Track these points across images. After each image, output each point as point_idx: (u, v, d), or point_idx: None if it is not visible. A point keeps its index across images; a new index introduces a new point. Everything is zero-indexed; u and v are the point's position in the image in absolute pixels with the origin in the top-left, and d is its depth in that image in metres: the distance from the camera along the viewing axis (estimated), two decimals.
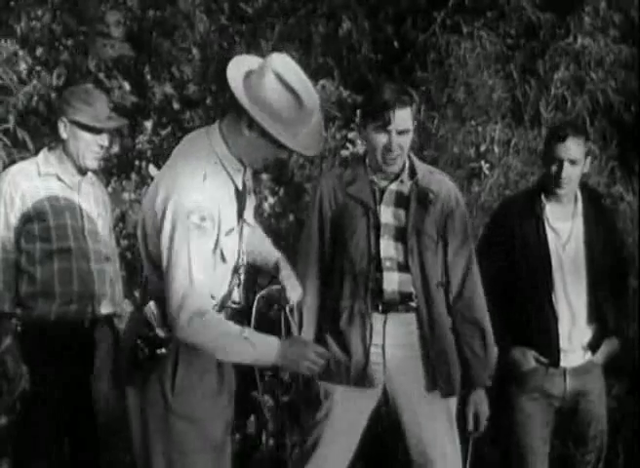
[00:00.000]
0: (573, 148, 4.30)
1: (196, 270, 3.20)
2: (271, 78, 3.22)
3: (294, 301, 3.58)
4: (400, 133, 3.89)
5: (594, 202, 4.49)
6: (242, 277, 3.49)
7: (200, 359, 3.33)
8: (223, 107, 6.43)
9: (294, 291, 3.58)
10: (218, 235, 3.28)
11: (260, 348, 3.28)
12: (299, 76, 3.27)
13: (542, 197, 4.40)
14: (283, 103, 3.23)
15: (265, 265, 3.64)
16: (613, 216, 5.00)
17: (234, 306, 3.47)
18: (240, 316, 3.49)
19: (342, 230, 4.01)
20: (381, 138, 3.91)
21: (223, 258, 3.33)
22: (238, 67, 3.33)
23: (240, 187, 3.41)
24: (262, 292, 3.55)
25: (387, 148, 3.90)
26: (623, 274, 4.64)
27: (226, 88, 3.31)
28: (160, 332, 3.30)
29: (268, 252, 3.68)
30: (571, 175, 4.31)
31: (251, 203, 3.56)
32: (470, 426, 4.04)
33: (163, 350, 3.31)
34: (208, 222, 3.22)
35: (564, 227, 4.40)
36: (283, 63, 3.27)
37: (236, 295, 3.47)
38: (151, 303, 3.32)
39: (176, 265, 3.20)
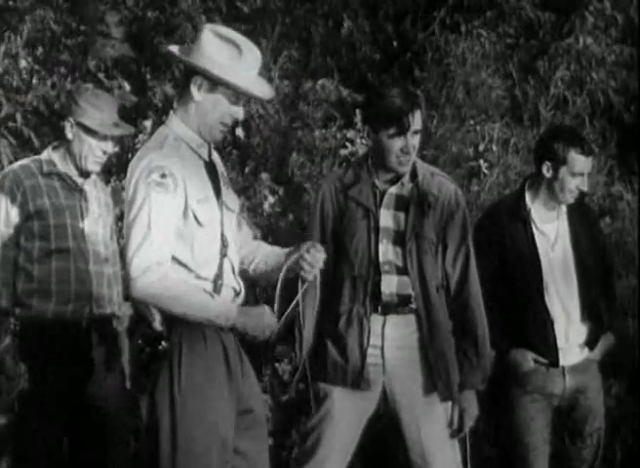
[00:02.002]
0: (590, 162, 4.36)
1: (155, 226, 3.25)
2: (207, 34, 3.39)
3: (316, 262, 3.54)
4: (415, 133, 3.91)
5: (577, 201, 4.51)
6: (234, 264, 3.49)
7: (205, 356, 3.35)
8: None
9: (316, 251, 3.55)
10: (186, 198, 3.33)
11: (220, 305, 3.32)
12: (233, 32, 3.43)
13: (527, 200, 4.41)
14: (222, 53, 3.37)
15: (278, 263, 3.63)
16: (595, 214, 5.04)
17: (238, 299, 3.48)
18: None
19: (343, 233, 4.01)
20: (398, 143, 3.90)
21: (198, 222, 3.35)
22: (174, 45, 3.53)
23: (207, 159, 3.47)
24: (288, 263, 3.53)
25: (405, 151, 3.91)
26: (610, 271, 4.69)
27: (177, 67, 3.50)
28: (157, 326, 3.33)
29: (274, 252, 3.69)
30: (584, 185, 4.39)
31: (228, 189, 3.59)
32: (454, 426, 4.03)
33: (164, 344, 3.32)
34: (169, 180, 3.29)
35: (550, 228, 4.43)
36: (216, 25, 3.48)
37: (234, 282, 3.48)
38: None
39: (135, 222, 3.27)
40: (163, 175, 3.28)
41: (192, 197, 3.34)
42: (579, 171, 4.35)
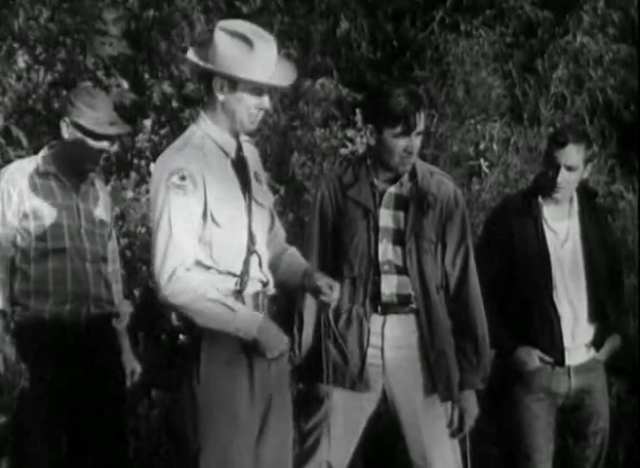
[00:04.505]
0: (572, 155, 4.30)
1: (177, 228, 3.32)
2: (218, 34, 3.43)
3: (334, 298, 3.58)
4: (418, 134, 3.90)
5: (589, 200, 4.50)
6: (262, 258, 3.52)
7: (224, 348, 3.37)
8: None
9: (334, 289, 3.58)
10: (205, 199, 3.37)
11: (242, 319, 3.35)
12: (244, 24, 3.48)
13: (539, 197, 4.40)
14: (234, 49, 3.39)
15: (294, 278, 3.66)
16: (606, 214, 5.01)
17: (267, 290, 3.52)
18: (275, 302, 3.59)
19: (342, 233, 3.99)
20: (402, 143, 3.88)
21: (216, 223, 3.39)
22: (193, 46, 3.57)
23: (233, 156, 3.51)
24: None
25: (408, 151, 3.89)
26: (619, 271, 4.67)
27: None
28: (174, 321, 3.39)
29: (295, 267, 3.70)
30: (568, 180, 4.32)
31: (261, 185, 3.62)
32: (454, 426, 4.02)
33: (182, 337, 3.37)
34: (188, 182, 3.34)
35: (561, 226, 4.41)
36: (229, 21, 3.51)
37: (261, 275, 3.51)
38: None
39: (158, 226, 3.34)
40: (182, 178, 3.34)
41: (212, 196, 3.39)
42: (556, 163, 4.32)
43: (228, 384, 3.38)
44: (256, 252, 3.49)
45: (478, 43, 7.74)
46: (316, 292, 3.58)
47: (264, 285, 3.52)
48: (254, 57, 3.40)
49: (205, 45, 3.47)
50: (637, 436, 5.42)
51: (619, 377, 5.51)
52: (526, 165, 6.78)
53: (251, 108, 3.45)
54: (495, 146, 7.03)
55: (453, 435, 4.02)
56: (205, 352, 3.37)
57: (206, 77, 3.47)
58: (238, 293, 3.42)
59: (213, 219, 3.38)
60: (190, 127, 3.55)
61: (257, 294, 3.49)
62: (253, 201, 3.52)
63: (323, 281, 3.56)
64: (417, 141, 3.91)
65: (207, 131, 3.47)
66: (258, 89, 3.44)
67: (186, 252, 3.33)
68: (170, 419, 5.17)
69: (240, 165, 3.53)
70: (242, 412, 3.40)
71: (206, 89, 3.51)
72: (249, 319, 3.39)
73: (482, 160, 6.90)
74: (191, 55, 3.48)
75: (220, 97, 3.43)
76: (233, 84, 3.41)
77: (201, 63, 3.43)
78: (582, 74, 7.79)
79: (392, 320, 3.95)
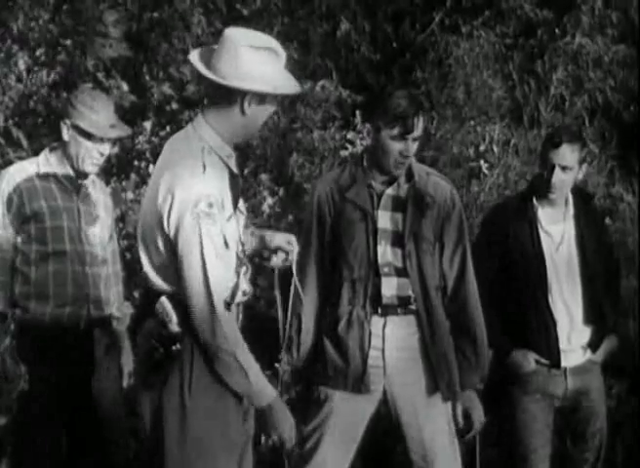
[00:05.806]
0: (566, 155, 4.30)
1: (211, 263, 3.22)
2: (243, 51, 3.29)
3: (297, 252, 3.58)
4: (414, 139, 3.90)
5: (585, 203, 4.50)
6: (248, 266, 3.47)
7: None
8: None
9: (276, 237, 3.59)
10: (223, 222, 3.29)
11: (255, 390, 3.30)
12: (258, 35, 3.36)
13: (534, 200, 4.40)
14: (266, 65, 3.29)
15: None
16: (602, 216, 5.01)
17: (244, 298, 3.46)
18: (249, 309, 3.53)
19: (341, 236, 3.98)
20: (398, 145, 3.87)
21: (227, 245, 3.31)
22: (197, 55, 3.40)
23: (235, 171, 3.43)
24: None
25: (404, 155, 3.88)
26: (616, 273, 4.68)
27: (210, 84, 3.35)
28: (174, 328, 3.30)
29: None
30: (563, 180, 4.32)
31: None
32: (460, 425, 4.02)
33: (178, 346, 3.30)
34: (215, 209, 3.24)
35: (556, 230, 4.41)
36: (243, 34, 3.36)
37: (245, 286, 3.45)
38: (163, 299, 3.31)
39: (189, 256, 3.23)
40: (210, 205, 3.23)
41: (225, 218, 3.31)
42: (550, 163, 4.33)
43: (219, 395, 3.32)
44: (245, 263, 3.44)
45: (479, 44, 7.75)
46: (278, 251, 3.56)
47: (244, 294, 3.46)
48: (280, 66, 3.32)
49: (225, 62, 3.31)
50: (637, 436, 5.42)
51: (618, 378, 5.51)
52: (526, 166, 6.79)
53: (265, 117, 3.39)
54: (495, 148, 7.03)
55: (462, 436, 4.03)
56: (198, 361, 3.30)
57: (229, 92, 3.30)
58: (227, 305, 3.33)
59: (225, 243, 3.31)
60: (187, 129, 3.42)
61: (238, 304, 3.44)
62: (239, 212, 3.47)
63: (281, 238, 3.57)
64: (413, 146, 3.89)
65: (211, 144, 3.35)
66: (278, 99, 3.38)
67: (221, 288, 3.26)
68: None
69: (235, 179, 3.44)
70: (231, 422, 3.36)
71: (219, 100, 3.35)
72: (261, 393, 3.30)
73: (482, 162, 6.90)
74: (212, 75, 3.31)
75: (248, 111, 3.31)
76: (262, 98, 3.31)
77: (229, 83, 3.28)
78: (582, 75, 7.80)
79: (393, 321, 3.95)
